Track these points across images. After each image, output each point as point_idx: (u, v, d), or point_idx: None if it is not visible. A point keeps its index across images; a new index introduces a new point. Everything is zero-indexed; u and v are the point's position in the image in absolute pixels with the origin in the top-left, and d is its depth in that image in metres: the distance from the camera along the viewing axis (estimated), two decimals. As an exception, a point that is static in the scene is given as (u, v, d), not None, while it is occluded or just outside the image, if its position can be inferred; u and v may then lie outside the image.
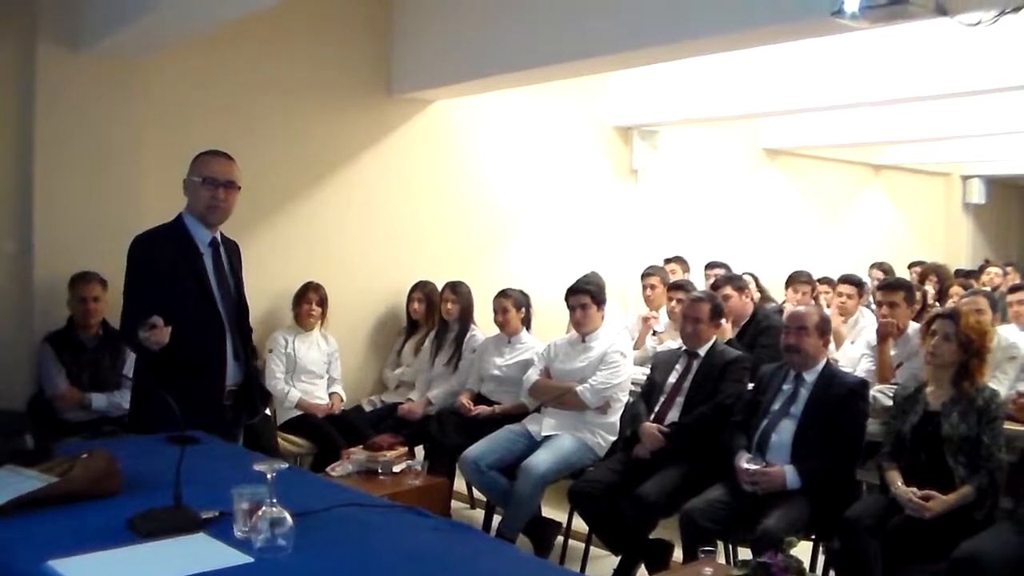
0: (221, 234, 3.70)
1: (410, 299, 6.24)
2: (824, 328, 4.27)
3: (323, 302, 5.76)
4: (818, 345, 4.22)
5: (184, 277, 3.51)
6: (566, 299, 5.17)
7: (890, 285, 5.20)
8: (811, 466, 3.94)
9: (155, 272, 3.48)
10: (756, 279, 7.28)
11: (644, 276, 6.86)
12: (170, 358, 3.37)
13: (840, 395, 4.09)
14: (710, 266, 7.30)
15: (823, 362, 4.24)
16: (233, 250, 3.77)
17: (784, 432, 4.09)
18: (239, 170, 3.65)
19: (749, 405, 4.34)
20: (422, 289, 6.21)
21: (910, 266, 9.60)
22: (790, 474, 3.92)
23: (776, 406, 4.18)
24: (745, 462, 4.00)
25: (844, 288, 6.26)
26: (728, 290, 5.63)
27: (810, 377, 4.18)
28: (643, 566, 4.39)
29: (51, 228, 4.91)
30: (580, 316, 5.06)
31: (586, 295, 5.04)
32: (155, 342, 3.28)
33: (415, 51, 6.22)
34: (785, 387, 4.21)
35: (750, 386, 4.53)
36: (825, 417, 4.04)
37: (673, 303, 6.10)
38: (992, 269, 9.45)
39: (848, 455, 4.03)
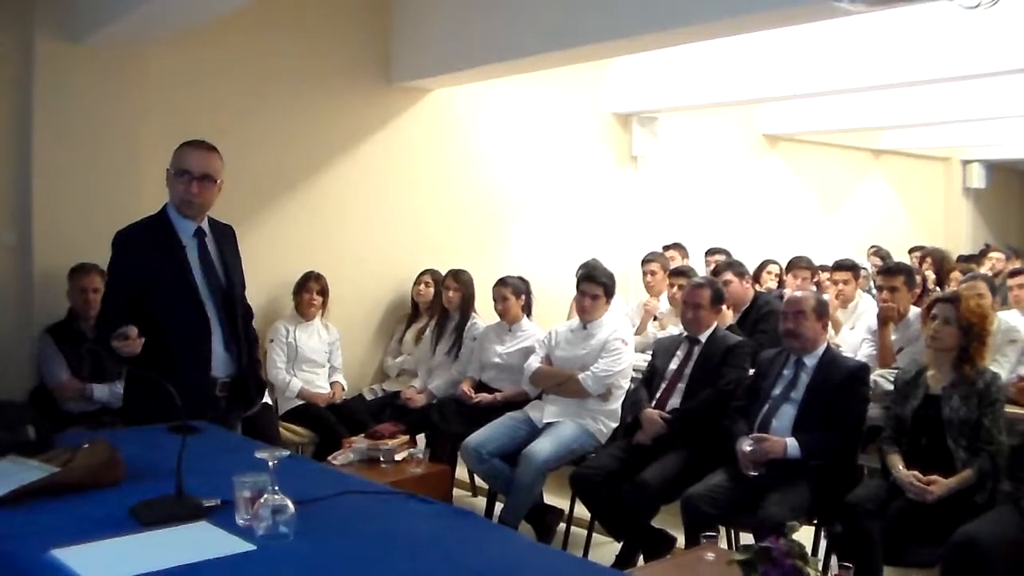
0: (211, 219, 3.62)
1: (417, 281, 6.27)
2: (822, 311, 4.28)
3: (324, 292, 5.76)
4: (817, 328, 4.23)
5: (163, 271, 3.43)
6: (579, 283, 5.16)
7: (890, 270, 5.19)
8: (812, 439, 3.96)
9: (132, 267, 3.42)
10: (780, 267, 7.28)
11: (644, 262, 6.86)
12: (154, 353, 3.27)
13: (840, 379, 4.09)
14: (710, 252, 7.30)
15: (823, 346, 4.25)
16: (226, 235, 3.67)
17: (784, 417, 4.10)
18: (220, 161, 3.53)
19: (749, 391, 4.34)
20: (431, 274, 6.24)
21: (911, 251, 9.59)
22: (791, 443, 3.95)
23: (777, 391, 4.19)
24: (747, 446, 4.01)
25: (840, 275, 6.23)
26: (729, 275, 5.62)
27: (810, 361, 4.19)
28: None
29: (50, 219, 4.92)
30: (589, 305, 5.05)
31: (600, 287, 5.04)
32: (128, 352, 3.17)
33: (414, 40, 6.20)
34: (786, 372, 4.22)
35: (751, 372, 4.53)
36: (825, 401, 4.05)
37: (674, 289, 6.10)
38: (995, 254, 9.43)
39: (848, 436, 4.04)
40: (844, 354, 5.21)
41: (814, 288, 7.14)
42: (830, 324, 5.97)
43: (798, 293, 4.63)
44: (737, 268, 5.79)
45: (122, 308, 3.32)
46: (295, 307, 5.75)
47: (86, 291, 4.77)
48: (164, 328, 3.34)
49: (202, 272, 3.52)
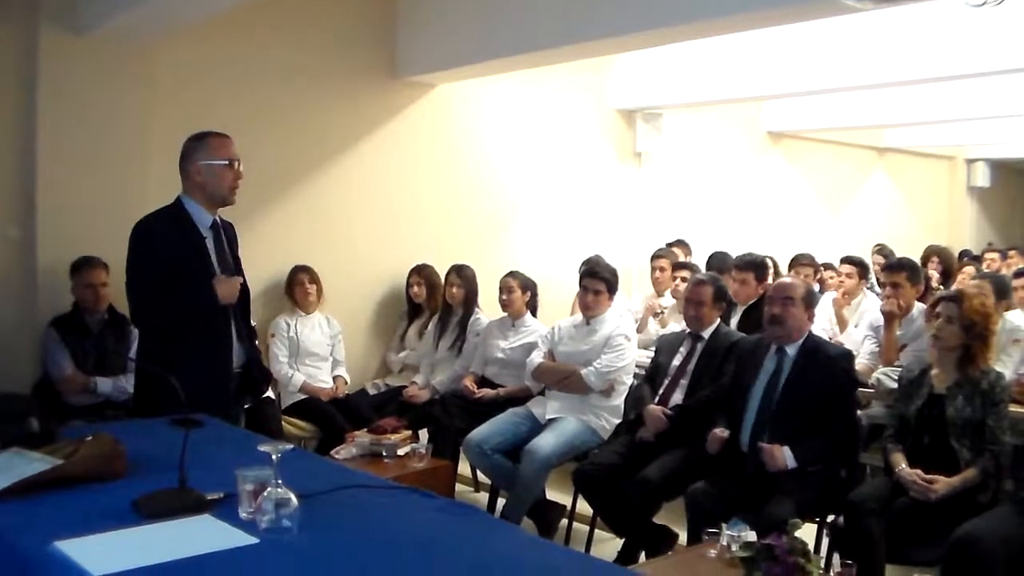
0: (219, 216, 3.68)
1: (409, 283, 6.23)
2: (810, 300, 4.15)
3: (316, 281, 5.76)
4: (803, 317, 4.09)
5: (188, 260, 3.50)
6: (581, 278, 5.16)
7: (892, 266, 5.19)
8: (808, 447, 3.88)
9: (159, 257, 3.46)
10: (776, 264, 7.25)
11: (654, 258, 6.85)
12: (178, 341, 3.41)
13: (824, 368, 3.98)
14: (709, 262, 7.10)
15: (805, 334, 4.12)
16: (229, 229, 3.77)
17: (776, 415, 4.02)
18: None
19: (732, 383, 4.27)
20: (420, 272, 6.20)
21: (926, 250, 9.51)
22: (788, 456, 3.86)
23: (763, 387, 4.08)
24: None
25: (845, 268, 6.29)
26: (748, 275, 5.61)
27: (792, 351, 4.07)
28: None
29: (55, 213, 4.91)
30: (592, 300, 5.04)
31: (603, 283, 5.03)
32: (229, 298, 3.48)
33: (419, 34, 6.20)
34: (767, 363, 4.11)
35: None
36: (811, 391, 3.95)
37: (677, 282, 6.11)
38: (990, 255, 9.42)
39: (845, 430, 3.97)
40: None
41: (817, 286, 7.14)
42: (836, 322, 6.01)
43: (787, 279, 4.39)
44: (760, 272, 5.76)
45: (156, 291, 3.43)
46: (291, 302, 5.76)
47: (94, 286, 4.76)
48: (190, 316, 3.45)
49: (218, 264, 3.61)
